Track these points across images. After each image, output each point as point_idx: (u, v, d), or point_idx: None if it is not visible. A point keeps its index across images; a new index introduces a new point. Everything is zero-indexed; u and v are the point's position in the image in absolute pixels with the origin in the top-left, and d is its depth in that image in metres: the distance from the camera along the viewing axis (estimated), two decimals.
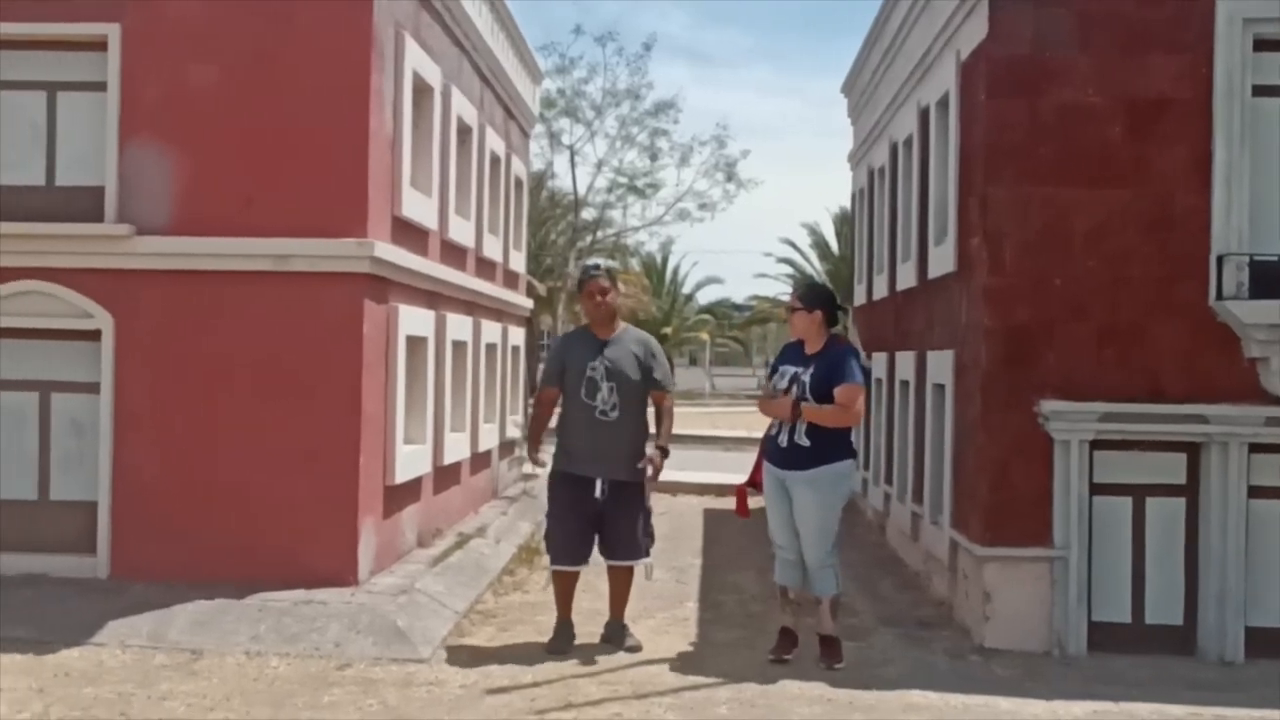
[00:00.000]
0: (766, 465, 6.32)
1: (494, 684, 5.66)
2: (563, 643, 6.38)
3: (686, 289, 47.02)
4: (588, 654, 6.28)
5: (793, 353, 6.32)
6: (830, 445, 6.07)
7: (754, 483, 6.47)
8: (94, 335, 7.24)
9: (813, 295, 6.40)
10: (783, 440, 6.13)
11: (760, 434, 6.60)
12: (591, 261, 7.01)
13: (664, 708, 5.30)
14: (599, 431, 6.28)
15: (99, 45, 7.21)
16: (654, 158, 22.61)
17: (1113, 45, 6.71)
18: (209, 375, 7.15)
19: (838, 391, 6.03)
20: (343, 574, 7.03)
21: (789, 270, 46.43)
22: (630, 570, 6.50)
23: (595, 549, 6.50)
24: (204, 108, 7.17)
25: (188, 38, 7.17)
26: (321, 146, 7.09)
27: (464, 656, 6.19)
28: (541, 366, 6.70)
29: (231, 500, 7.10)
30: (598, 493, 6.26)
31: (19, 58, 7.36)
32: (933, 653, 6.51)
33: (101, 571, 7.19)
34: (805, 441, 6.05)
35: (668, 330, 43.74)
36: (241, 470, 7.10)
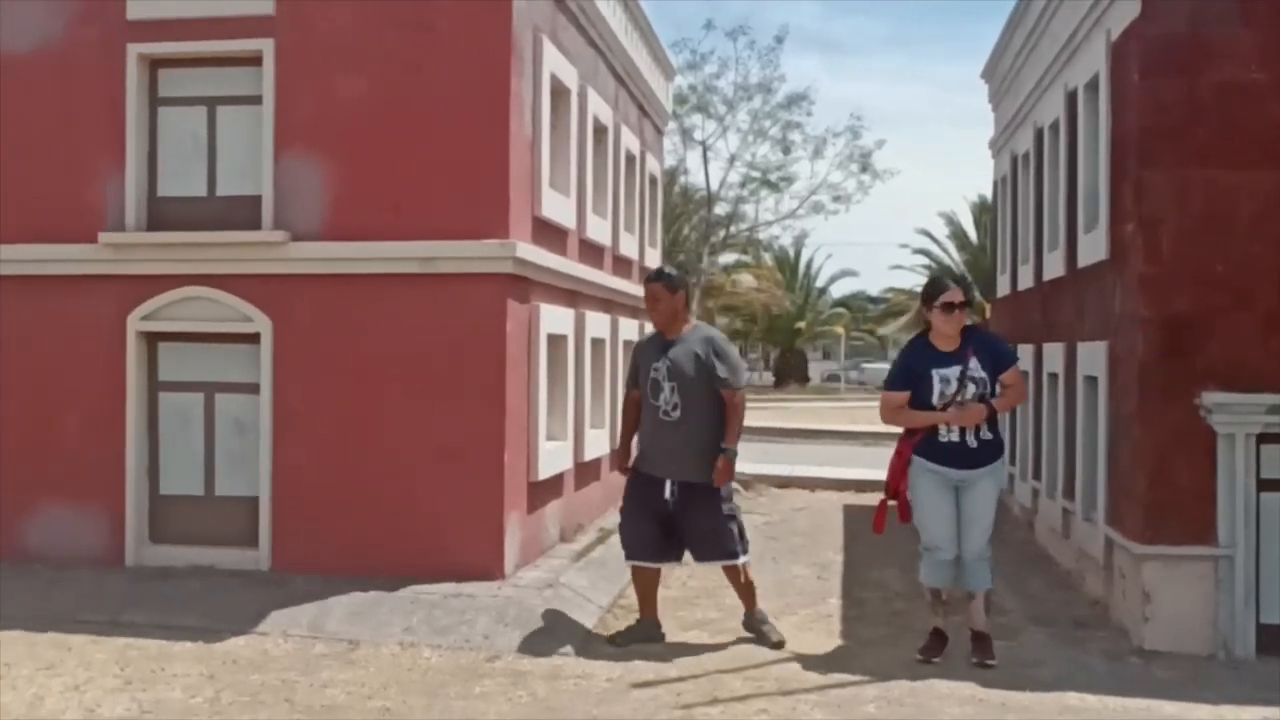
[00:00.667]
0: (932, 469, 5.98)
1: (639, 678, 5.71)
2: (636, 640, 6.36)
3: (820, 282, 46.64)
4: (732, 650, 6.28)
5: (930, 354, 5.99)
6: (999, 437, 6.05)
7: (897, 493, 6.14)
8: (253, 338, 7.56)
9: (968, 288, 6.21)
10: (971, 441, 5.92)
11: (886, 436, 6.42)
12: (655, 268, 6.91)
13: (810, 705, 5.26)
14: (664, 432, 6.27)
15: (254, 60, 7.53)
16: (786, 151, 22.46)
17: (1277, 18, 6.37)
18: (360, 375, 7.40)
19: (1006, 376, 5.95)
20: (490, 568, 7.19)
21: (925, 261, 45.59)
22: (735, 569, 6.43)
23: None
24: (352, 117, 7.42)
25: (336, 51, 7.43)
26: (464, 151, 7.26)
27: (609, 650, 6.26)
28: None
29: (383, 496, 7.33)
30: (667, 494, 6.24)
31: (181, 75, 7.75)
32: (1088, 653, 6.30)
33: (263, 564, 7.51)
34: (988, 435, 5.96)
35: (801, 325, 43.43)
36: (392, 467, 7.33)
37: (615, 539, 8.83)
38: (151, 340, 7.76)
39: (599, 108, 9.72)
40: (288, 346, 7.48)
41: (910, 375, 6.02)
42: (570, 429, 8.76)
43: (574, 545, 8.52)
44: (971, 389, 5.88)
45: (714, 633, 6.68)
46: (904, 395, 6.00)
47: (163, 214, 7.72)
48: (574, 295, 8.98)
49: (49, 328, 7.81)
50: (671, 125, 16.84)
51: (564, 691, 5.47)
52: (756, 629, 6.48)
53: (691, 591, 7.79)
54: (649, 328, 12.44)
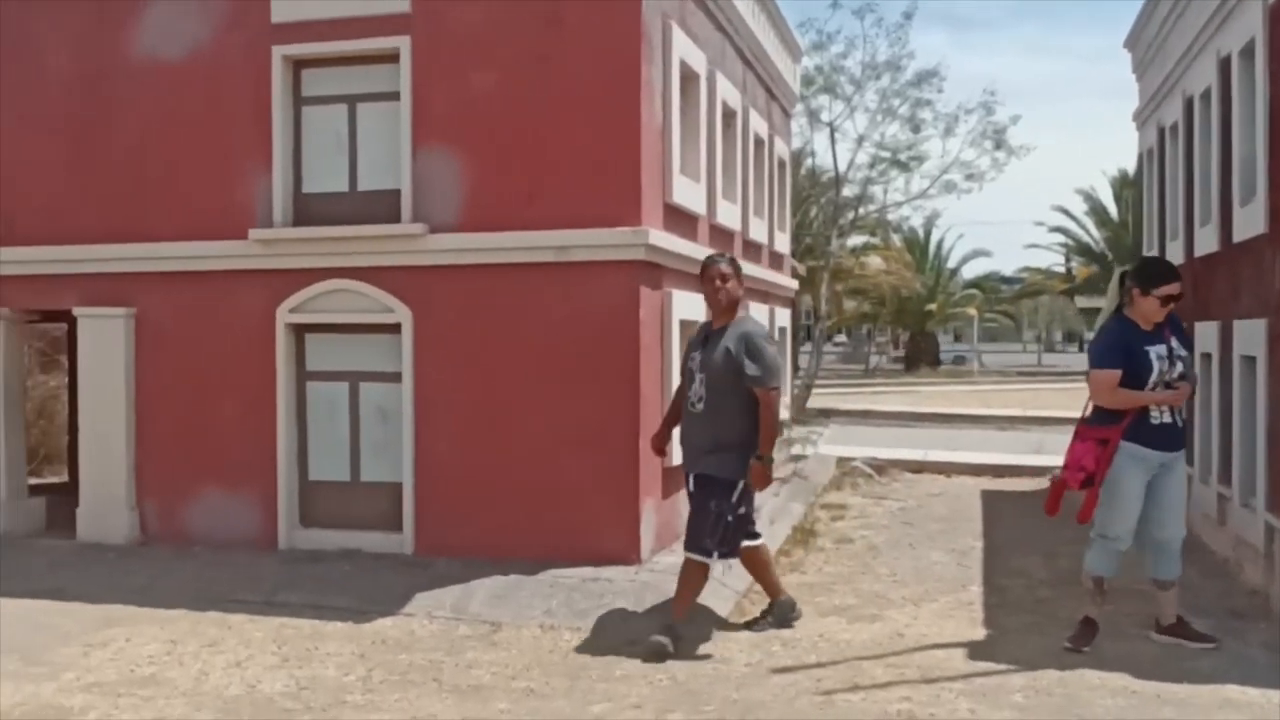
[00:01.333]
0: (1142, 454, 5.72)
1: (778, 664, 5.70)
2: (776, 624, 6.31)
3: (951, 263, 45.55)
4: (872, 636, 6.21)
5: (1140, 333, 5.76)
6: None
7: (1091, 475, 5.78)
8: (395, 328, 7.78)
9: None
10: (1178, 421, 5.76)
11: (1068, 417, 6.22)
12: (715, 252, 6.55)
13: (954, 693, 5.18)
14: (689, 424, 6.11)
15: (392, 58, 7.72)
16: (917, 130, 21.89)
17: None
18: (497, 362, 7.54)
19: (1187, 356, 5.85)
20: (626, 553, 7.27)
21: (1062, 239, 44.15)
22: (694, 563, 6.03)
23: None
24: (486, 110, 7.55)
25: (470, 45, 7.57)
26: (596, 140, 7.32)
27: (745, 635, 6.25)
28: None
29: (520, 481, 7.47)
30: (691, 487, 6.08)
31: (322, 74, 8.01)
32: (1248, 645, 6.03)
33: (407, 548, 7.73)
34: (1184, 415, 5.84)
35: (932, 307, 42.53)
36: (529, 453, 7.46)
37: None
38: (299, 332, 8.05)
39: (727, 92, 9.68)
40: (427, 336, 7.67)
41: (1128, 353, 5.73)
42: None
43: None
44: (1179, 367, 5.73)
45: (852, 619, 6.62)
46: (1118, 374, 5.74)
47: (307, 210, 8.00)
48: None
49: (204, 322, 8.18)
50: (798, 107, 16.65)
51: (703, 676, 5.49)
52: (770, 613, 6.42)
53: (828, 577, 7.74)
54: (780, 312, 12.40)
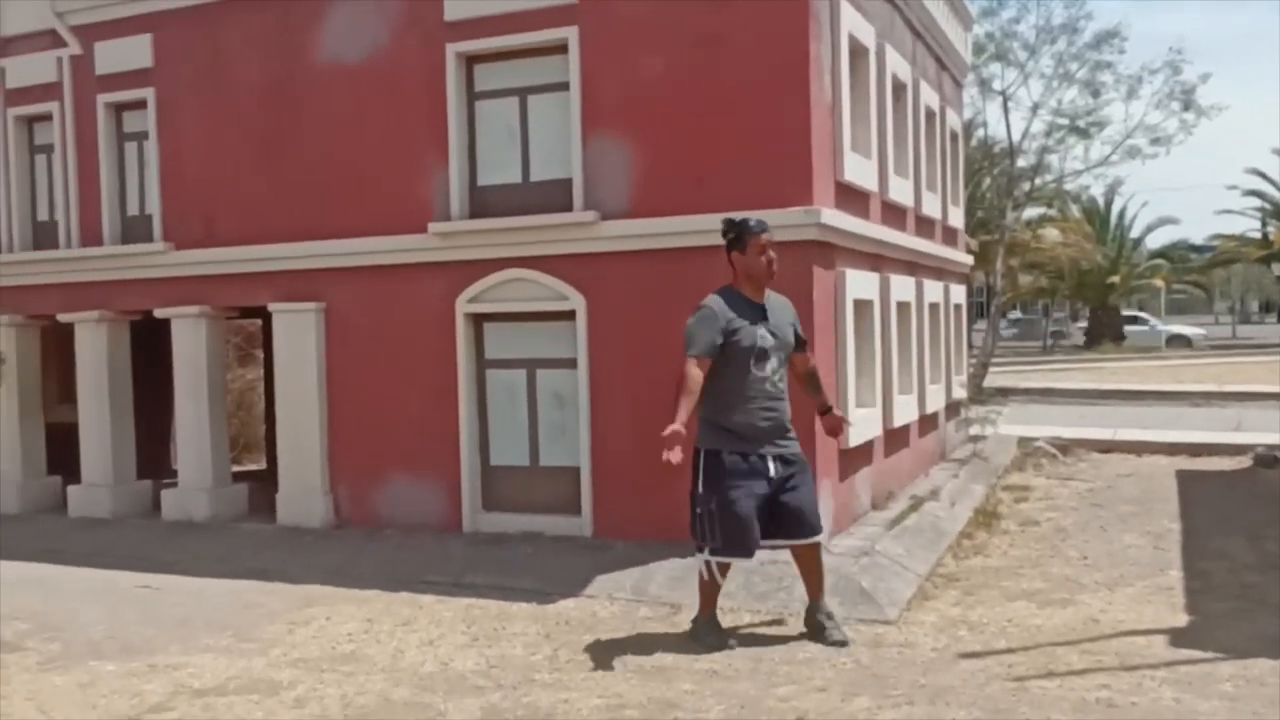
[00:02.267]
0: None
1: (966, 648, 5.56)
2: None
3: (1135, 233, 43.35)
4: (1064, 621, 5.99)
5: None
6: None
7: None
8: (569, 315, 7.91)
9: None
10: None
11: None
12: (750, 217, 5.91)
13: (1157, 681, 4.94)
14: (772, 404, 5.68)
15: (560, 49, 7.83)
16: (1096, 94, 20.84)
17: None
18: (671, 347, 7.50)
19: None
20: None
21: (1257, 204, 41.51)
22: (816, 548, 5.81)
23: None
24: (654, 95, 7.58)
25: (636, 32, 7.60)
26: (765, 120, 7.26)
27: (931, 620, 6.13)
28: (695, 333, 5.63)
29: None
30: (773, 471, 5.66)
31: (494, 69, 8.18)
32: None
33: (586, 530, 7.86)
34: None
35: (1115, 279, 40.63)
36: None
37: (930, 506, 8.67)
38: (478, 321, 8.27)
39: (897, 65, 9.45)
40: (601, 322, 7.77)
41: None
42: (879, 395, 8.62)
43: (886, 513, 8.40)
44: None
45: (1041, 603, 6.40)
46: None
47: (483, 202, 8.20)
48: (877, 259, 8.80)
49: (388, 313, 8.50)
50: (970, 77, 16.12)
51: (888, 660, 5.41)
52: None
53: (1014, 561, 7.51)
54: (955, 288, 12.06)
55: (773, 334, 5.70)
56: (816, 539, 5.79)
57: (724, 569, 5.74)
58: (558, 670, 5.39)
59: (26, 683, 5.42)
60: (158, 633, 6.24)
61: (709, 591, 5.79)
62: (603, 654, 5.63)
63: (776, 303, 5.86)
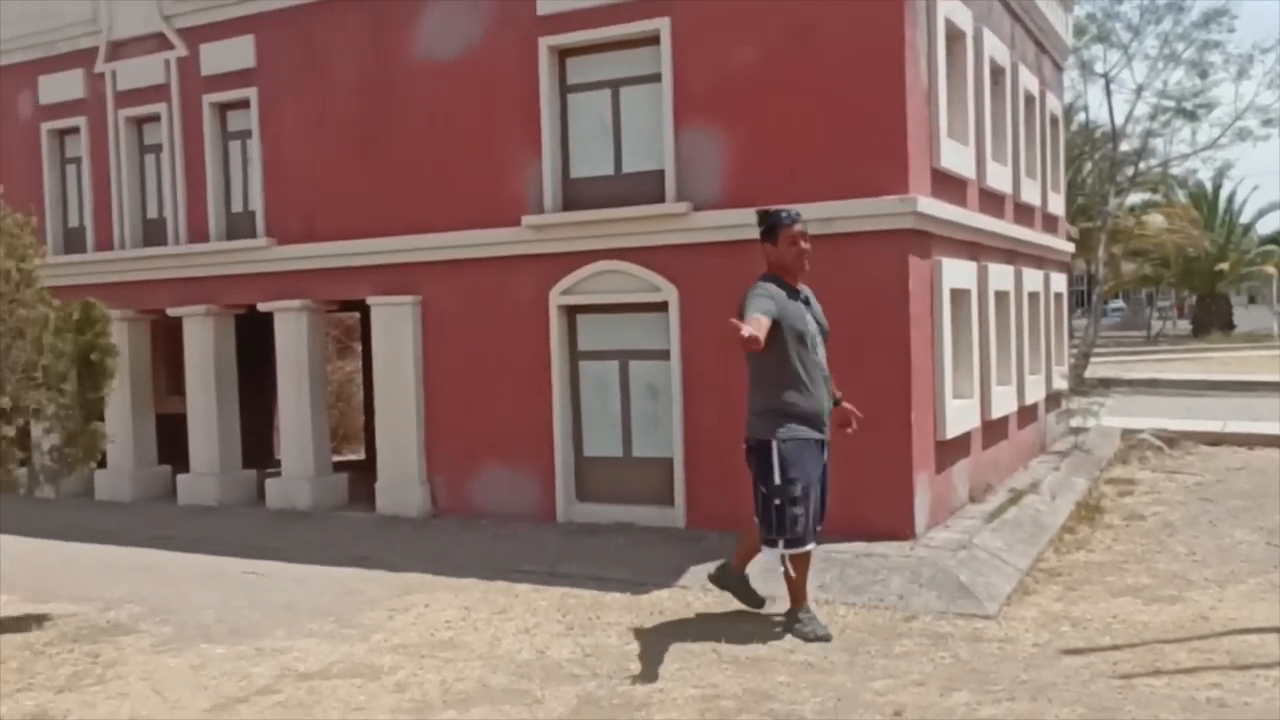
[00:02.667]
0: None
1: (1068, 644, 5.44)
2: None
3: (1245, 218, 41.84)
4: (1171, 618, 5.82)
5: None
6: None
7: None
8: (662, 307, 7.92)
9: None
10: None
11: None
12: (783, 209, 5.93)
13: (1272, 681, 4.77)
14: (822, 390, 5.72)
15: (652, 40, 7.84)
16: (1204, 75, 20.19)
17: None
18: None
19: None
20: (899, 528, 7.12)
21: None
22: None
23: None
24: (746, 85, 7.54)
25: (728, 22, 7.57)
26: (859, 108, 7.17)
27: (1032, 615, 6.00)
28: (756, 303, 5.53)
29: None
30: (825, 456, 5.76)
31: (586, 61, 8.22)
32: None
33: (679, 521, 7.88)
34: None
35: (1223, 266, 39.27)
36: None
37: (1030, 499, 8.50)
38: (570, 313, 8.33)
39: (995, 48, 9.25)
40: (693, 313, 7.76)
41: None
42: (976, 386, 8.47)
43: (984, 506, 8.25)
44: None
45: (1148, 600, 6.23)
46: None
47: (576, 194, 8.25)
48: (975, 247, 8.64)
49: (482, 306, 8.60)
50: (1070, 59, 15.73)
51: (988, 655, 5.32)
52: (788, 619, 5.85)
53: (1118, 556, 7.32)
54: (1055, 277, 11.79)
55: (816, 321, 5.80)
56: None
57: (799, 560, 5.71)
58: (652, 660, 5.41)
59: (142, 663, 5.62)
60: (264, 617, 6.43)
61: (800, 582, 5.76)
62: (697, 644, 5.63)
63: (809, 294, 5.93)
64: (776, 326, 5.49)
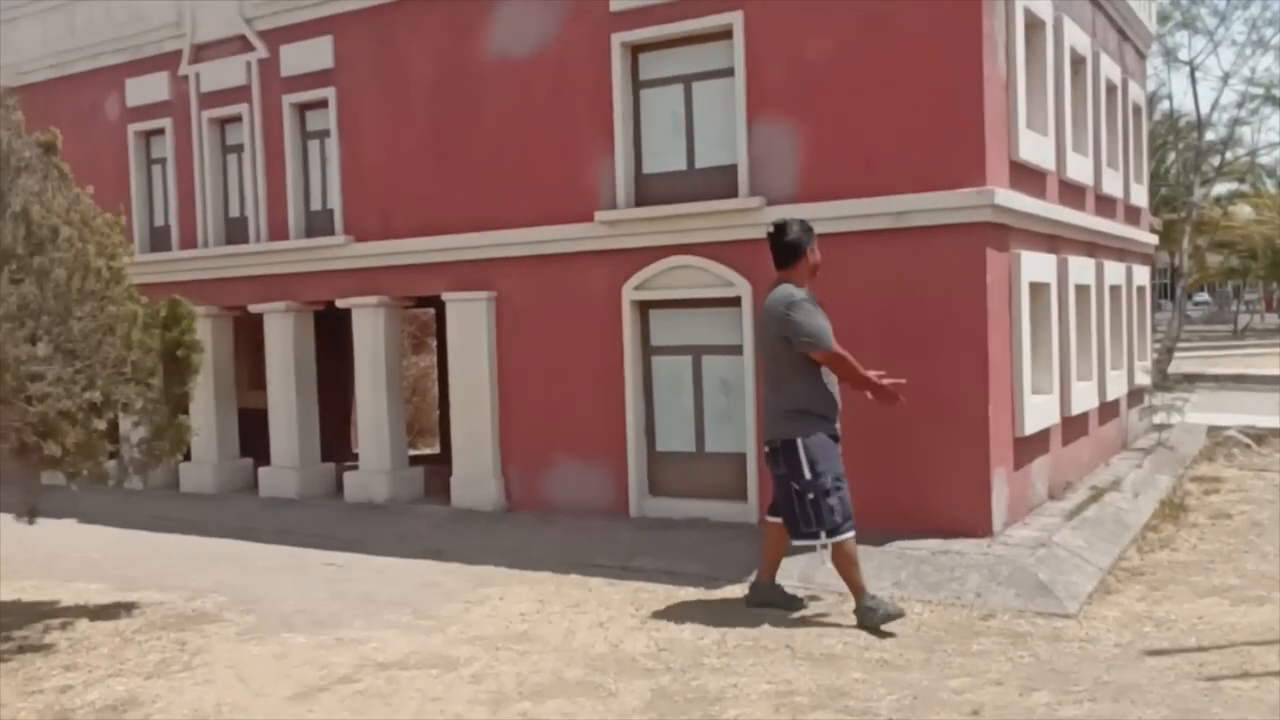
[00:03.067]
0: None
1: (1152, 645, 5.33)
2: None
3: None
4: (1259, 620, 5.67)
5: None
6: None
7: None
8: (734, 302, 7.90)
9: None
10: None
11: None
12: (800, 221, 6.22)
13: None
14: (836, 392, 6.14)
15: (725, 35, 7.81)
16: None
17: None
18: (838, 332, 7.39)
19: None
20: (976, 525, 7.02)
21: None
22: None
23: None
24: (820, 78, 7.48)
25: (802, 14, 7.51)
26: (935, 100, 7.07)
27: (1114, 615, 5.89)
28: (819, 324, 5.97)
29: (865, 451, 7.34)
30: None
31: (659, 57, 8.22)
32: None
33: (752, 517, 7.85)
34: None
35: None
36: (873, 423, 7.30)
37: (1111, 497, 8.34)
38: (643, 308, 8.35)
39: (1075, 37, 9.07)
40: None
41: None
42: (1056, 382, 8.32)
43: (1064, 503, 8.10)
44: None
45: (1235, 600, 6.07)
46: None
47: (648, 190, 8.26)
48: (1055, 240, 8.49)
49: (556, 302, 8.65)
50: (1153, 47, 15.35)
51: (1068, 654, 5.23)
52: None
53: (1204, 555, 7.15)
54: (1138, 270, 11.53)
55: None
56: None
57: (844, 551, 5.89)
58: (726, 655, 5.41)
59: (227, 651, 5.77)
60: (343, 608, 6.55)
61: (854, 572, 5.91)
62: (771, 640, 5.62)
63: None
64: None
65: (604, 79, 8.28)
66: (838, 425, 6.07)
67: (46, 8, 11.70)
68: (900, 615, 5.79)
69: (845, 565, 5.89)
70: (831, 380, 6.04)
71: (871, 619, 5.73)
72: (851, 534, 5.89)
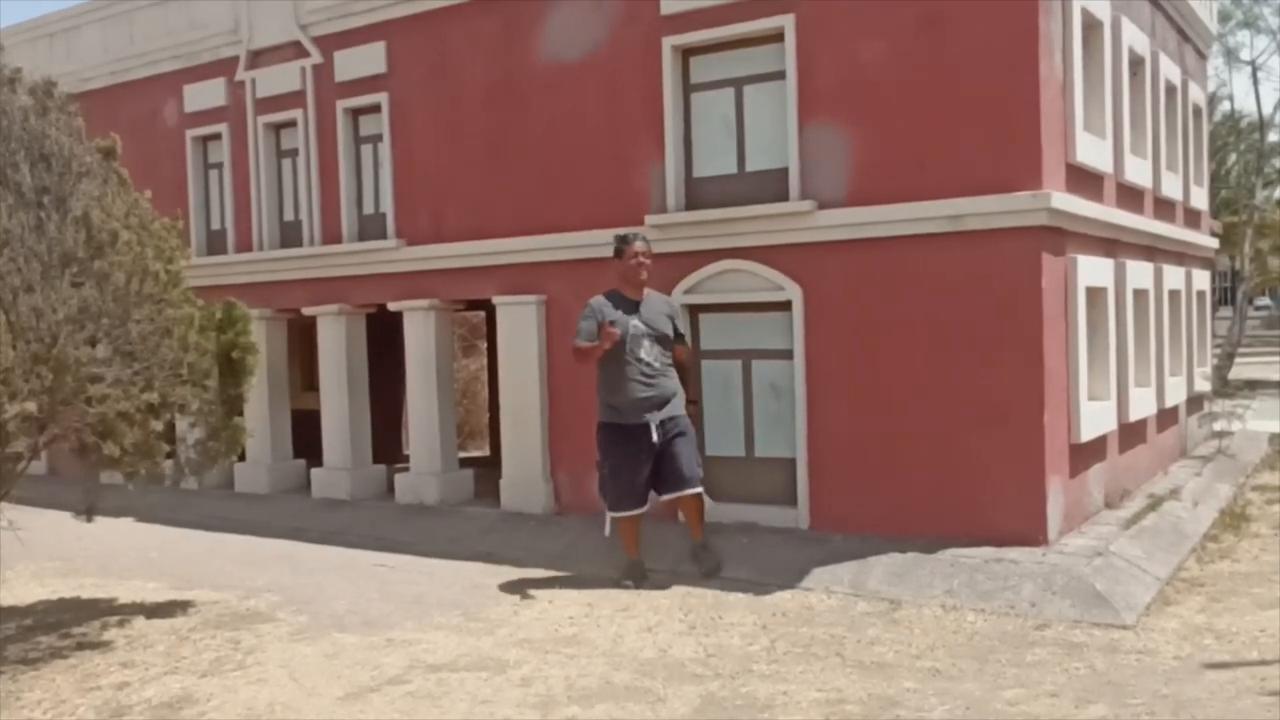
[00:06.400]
0: None
1: (1212, 658, 5.22)
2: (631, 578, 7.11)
3: None
4: None
5: None
6: None
7: None
8: (785, 306, 7.85)
9: None
10: None
11: None
12: (626, 233, 7.42)
13: None
14: (650, 380, 7.03)
15: (776, 38, 7.77)
16: None
17: None
18: (890, 337, 7.41)
19: None
20: (1031, 533, 6.92)
21: None
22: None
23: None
24: (873, 80, 7.41)
25: (854, 16, 7.45)
26: (990, 102, 6.98)
27: (1173, 626, 5.77)
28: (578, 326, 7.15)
29: (917, 458, 7.30)
30: (658, 436, 6.96)
31: (710, 60, 8.19)
32: None
33: (802, 522, 7.80)
34: None
35: None
36: (925, 429, 7.27)
37: (1170, 505, 8.19)
38: (694, 312, 8.31)
39: (1134, 38, 8.92)
40: (818, 312, 7.67)
41: None
42: (1113, 388, 8.17)
43: (1120, 512, 7.96)
44: None
45: None
46: None
47: (699, 193, 8.24)
48: (1112, 244, 8.35)
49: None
50: (1214, 47, 15.07)
51: (1125, 666, 5.13)
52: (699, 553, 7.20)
53: (1267, 567, 7.00)
54: (1197, 274, 11.31)
55: (646, 324, 7.04)
56: (695, 491, 7.10)
57: (624, 523, 7.11)
58: (775, 662, 5.38)
59: (279, 651, 5.83)
60: (394, 609, 6.59)
61: (621, 539, 7.20)
62: (820, 647, 5.58)
63: (654, 299, 7.27)
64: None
65: (655, 82, 8.27)
66: (639, 416, 6.94)
67: (107, 16, 11.92)
68: (635, 583, 6.97)
69: (614, 534, 7.18)
70: (636, 376, 6.97)
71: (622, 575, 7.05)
72: (626, 513, 7.09)
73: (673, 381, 7.14)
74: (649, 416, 6.94)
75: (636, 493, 7.06)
